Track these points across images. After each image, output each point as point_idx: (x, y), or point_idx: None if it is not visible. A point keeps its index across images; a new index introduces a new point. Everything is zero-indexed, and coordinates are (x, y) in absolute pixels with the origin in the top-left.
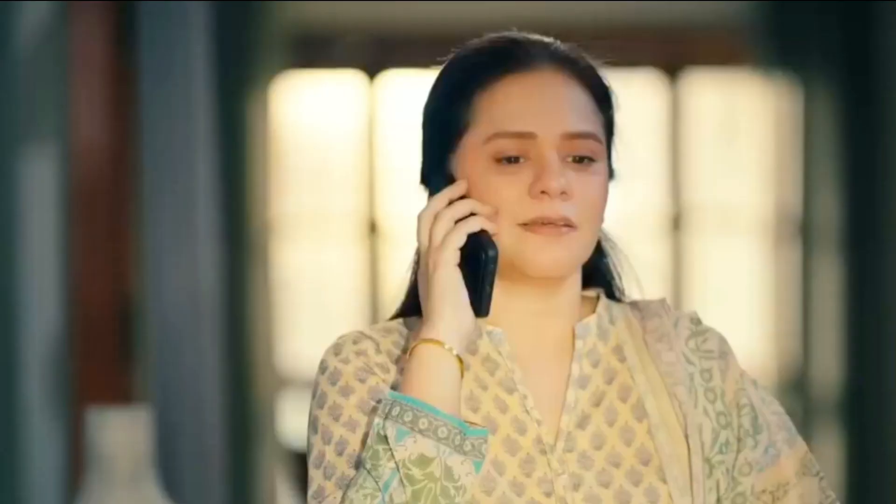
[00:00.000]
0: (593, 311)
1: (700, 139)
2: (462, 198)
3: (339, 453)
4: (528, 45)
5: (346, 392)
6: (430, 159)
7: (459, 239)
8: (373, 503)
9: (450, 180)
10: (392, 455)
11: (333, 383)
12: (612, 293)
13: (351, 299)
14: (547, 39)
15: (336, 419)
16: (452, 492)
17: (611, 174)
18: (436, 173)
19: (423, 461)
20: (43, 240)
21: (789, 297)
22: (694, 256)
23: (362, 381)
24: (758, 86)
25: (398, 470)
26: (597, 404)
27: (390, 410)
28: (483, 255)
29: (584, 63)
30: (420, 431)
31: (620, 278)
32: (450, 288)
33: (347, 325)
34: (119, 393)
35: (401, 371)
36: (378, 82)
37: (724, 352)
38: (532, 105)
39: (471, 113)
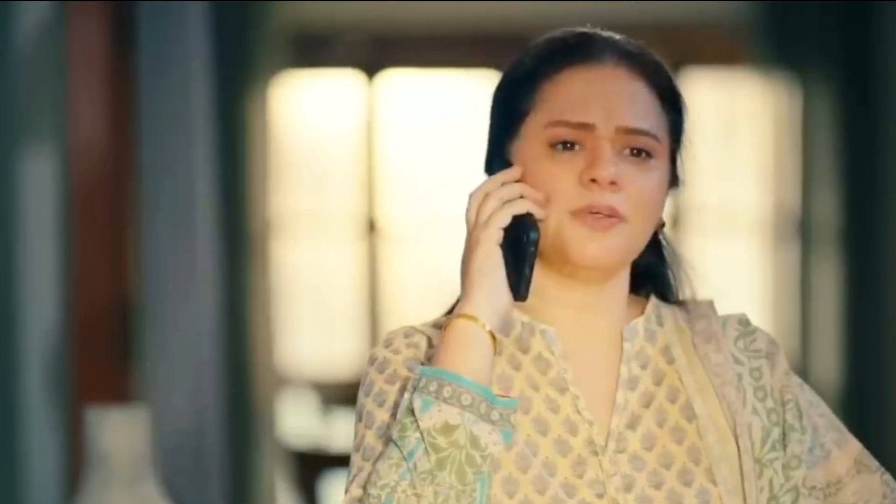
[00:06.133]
0: (642, 313)
1: (699, 138)
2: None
3: (380, 437)
4: (596, 39)
5: (392, 380)
6: (492, 145)
7: (504, 218)
8: (398, 472)
9: (508, 166)
10: (418, 425)
11: (381, 371)
12: (665, 297)
13: (350, 298)
14: (617, 36)
15: (380, 405)
16: (479, 460)
17: (674, 181)
18: (496, 159)
19: (448, 429)
20: (42, 239)
21: (788, 295)
22: (693, 255)
23: (411, 370)
24: (757, 85)
25: (423, 439)
26: (646, 405)
27: (418, 383)
28: (525, 237)
29: (652, 61)
30: (444, 400)
31: (677, 288)
32: (488, 265)
33: (347, 324)
34: (118, 392)
35: None
36: (377, 82)
37: (771, 352)
38: (592, 96)
39: (533, 100)
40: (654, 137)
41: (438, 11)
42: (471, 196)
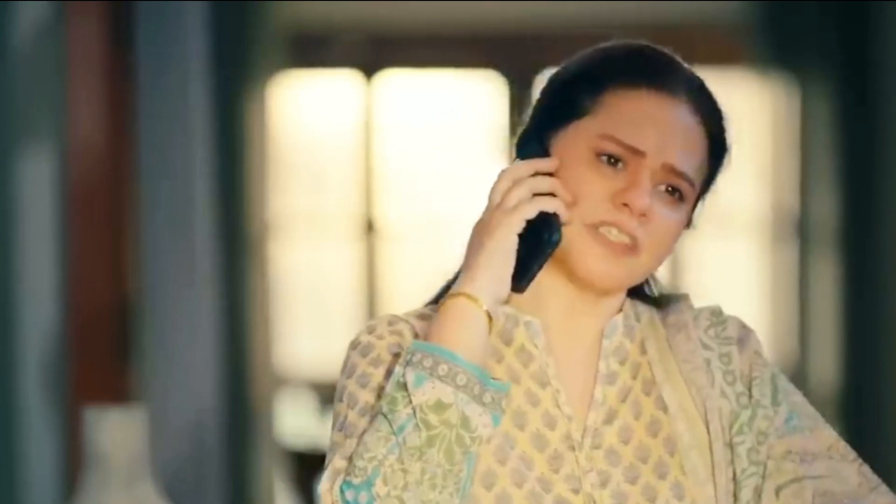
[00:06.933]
0: (620, 309)
1: None
2: (548, 175)
3: (362, 415)
4: (677, 71)
5: (376, 363)
6: (534, 127)
7: (532, 211)
8: (386, 445)
9: (543, 152)
10: (409, 400)
11: (365, 355)
12: (640, 292)
13: (348, 298)
14: (696, 75)
15: (363, 386)
16: (468, 441)
17: (688, 223)
18: (533, 142)
19: (440, 407)
20: (40, 239)
21: (787, 296)
22: (691, 255)
23: (395, 354)
24: (755, 85)
25: (414, 415)
26: (623, 399)
27: (411, 358)
28: (546, 236)
29: (718, 110)
30: (439, 377)
31: (650, 283)
32: (503, 251)
33: (345, 323)
34: (116, 392)
35: None
36: (375, 82)
37: (742, 336)
38: (653, 125)
39: (594, 105)
40: (692, 183)
41: (437, 11)
42: (500, 175)
